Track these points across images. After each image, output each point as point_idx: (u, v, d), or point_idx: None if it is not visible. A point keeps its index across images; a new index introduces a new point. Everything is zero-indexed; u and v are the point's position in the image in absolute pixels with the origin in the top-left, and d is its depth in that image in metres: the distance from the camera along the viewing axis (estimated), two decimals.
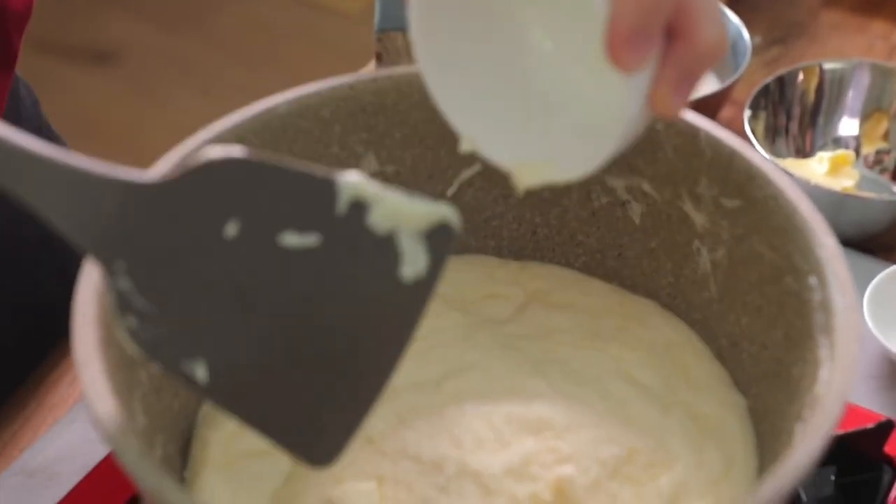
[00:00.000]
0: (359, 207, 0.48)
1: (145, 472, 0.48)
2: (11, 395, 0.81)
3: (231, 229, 0.48)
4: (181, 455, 0.61)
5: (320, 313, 0.50)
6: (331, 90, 0.64)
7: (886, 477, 0.66)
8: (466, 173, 0.68)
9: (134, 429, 0.51)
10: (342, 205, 0.48)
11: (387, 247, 0.49)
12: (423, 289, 0.49)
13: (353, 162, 0.65)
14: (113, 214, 0.47)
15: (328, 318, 0.50)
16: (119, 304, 0.48)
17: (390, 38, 0.79)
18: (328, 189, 0.48)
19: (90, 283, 0.54)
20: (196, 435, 0.61)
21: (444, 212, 0.48)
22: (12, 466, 0.76)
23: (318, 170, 0.48)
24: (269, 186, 0.47)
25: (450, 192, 0.68)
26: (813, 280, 0.56)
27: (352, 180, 0.48)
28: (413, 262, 0.49)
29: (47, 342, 0.83)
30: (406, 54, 0.75)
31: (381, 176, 0.66)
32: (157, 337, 0.49)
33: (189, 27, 2.30)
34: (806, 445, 0.49)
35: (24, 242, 0.84)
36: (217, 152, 0.47)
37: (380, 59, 0.79)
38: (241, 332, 0.50)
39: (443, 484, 0.58)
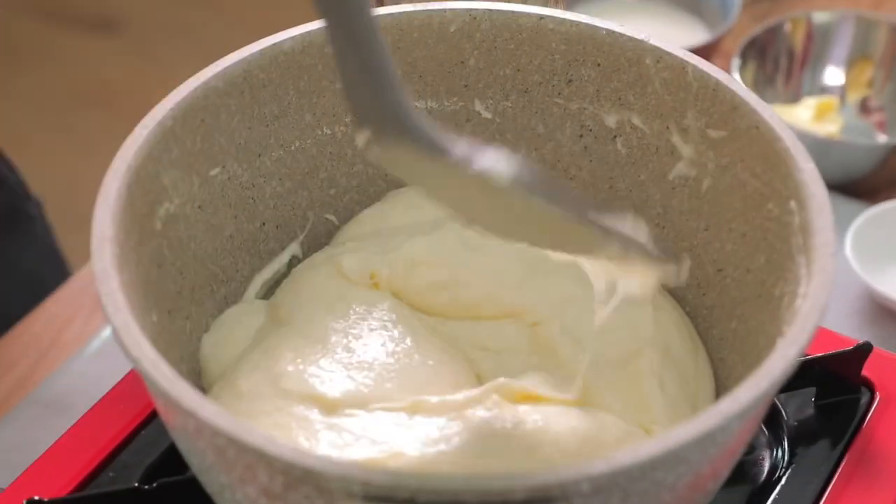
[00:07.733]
0: None
1: (163, 377, 0.51)
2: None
3: None
4: (193, 377, 0.64)
5: None
6: None
7: (864, 399, 0.69)
8: (465, 109, 0.70)
9: (151, 339, 0.54)
10: None
11: None
12: None
13: None
14: None
15: None
16: None
17: None
18: None
19: (106, 206, 0.57)
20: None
21: None
22: (28, 397, 0.79)
23: None
24: None
25: (449, 127, 0.70)
26: (793, 204, 0.59)
27: None
28: None
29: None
30: None
31: None
32: None
33: None
34: (784, 351, 0.52)
35: None
36: None
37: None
38: None
39: None
